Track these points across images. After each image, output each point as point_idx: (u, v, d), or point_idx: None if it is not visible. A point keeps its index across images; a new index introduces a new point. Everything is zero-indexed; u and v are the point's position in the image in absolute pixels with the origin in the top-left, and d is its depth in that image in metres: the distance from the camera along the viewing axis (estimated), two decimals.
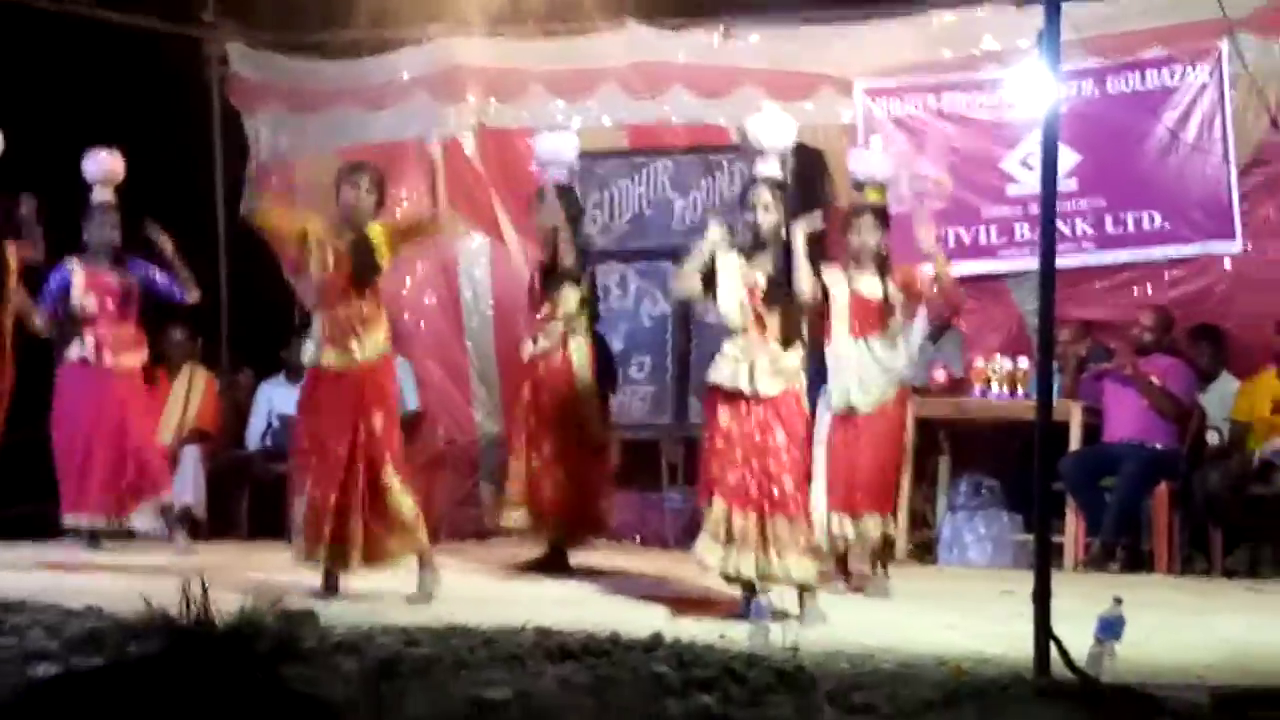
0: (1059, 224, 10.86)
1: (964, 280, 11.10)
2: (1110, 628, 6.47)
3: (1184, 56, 11.48)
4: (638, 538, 12.13)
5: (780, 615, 7.95)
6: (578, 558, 10.34)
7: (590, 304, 10.31)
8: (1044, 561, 6.25)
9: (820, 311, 9.05)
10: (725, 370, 8.20)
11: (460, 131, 13.07)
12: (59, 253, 10.74)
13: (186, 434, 12.48)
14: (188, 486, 12.05)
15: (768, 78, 12.00)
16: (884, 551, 9.40)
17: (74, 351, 10.67)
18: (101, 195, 10.70)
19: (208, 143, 13.39)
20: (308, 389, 8.91)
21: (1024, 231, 11.73)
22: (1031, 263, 9.87)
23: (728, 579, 8.17)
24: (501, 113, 13.14)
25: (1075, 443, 11.22)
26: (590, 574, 9.88)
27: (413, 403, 12.31)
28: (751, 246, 8.21)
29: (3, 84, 11.16)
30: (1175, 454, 11.14)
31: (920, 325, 11.54)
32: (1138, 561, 10.97)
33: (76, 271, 10.69)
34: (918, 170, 11.86)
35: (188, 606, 4.80)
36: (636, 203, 12.52)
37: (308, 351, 8.84)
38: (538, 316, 10.25)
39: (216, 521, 12.52)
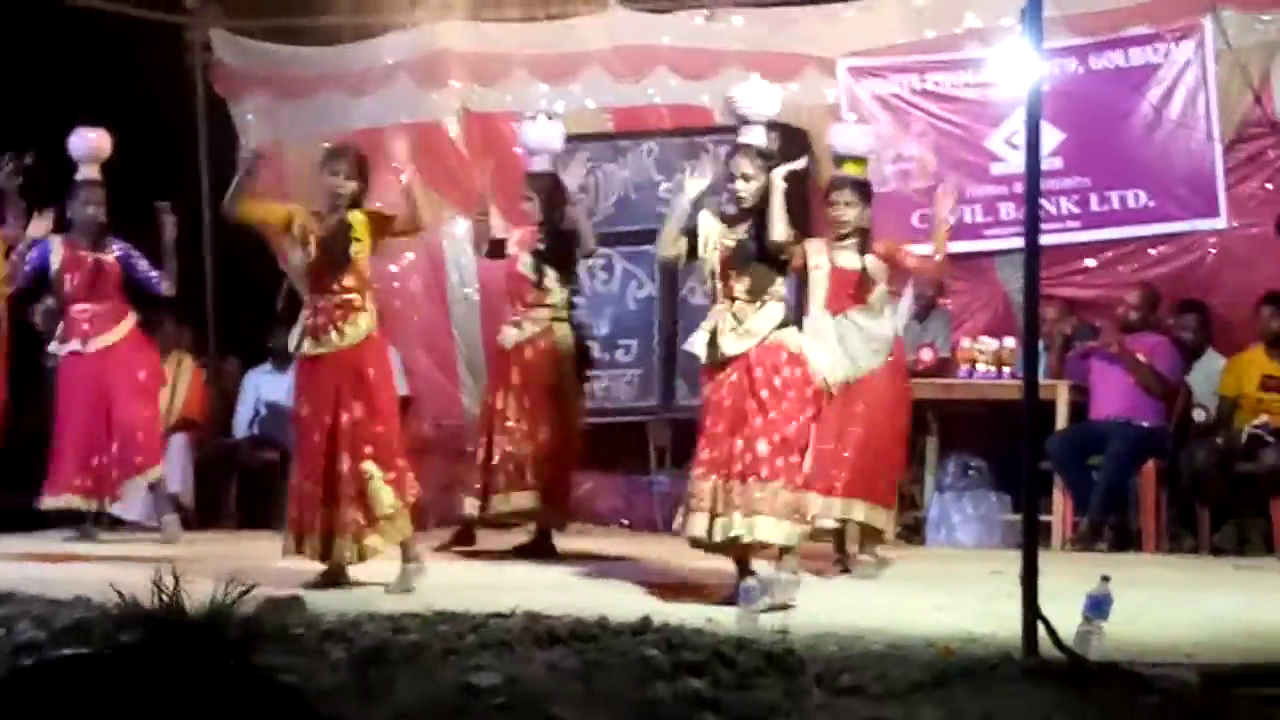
0: (1044, 202, 10.88)
1: (949, 259, 11.10)
2: (1098, 606, 6.47)
3: (1167, 33, 11.48)
4: (625, 522, 12.13)
5: (768, 593, 7.91)
6: (566, 543, 10.35)
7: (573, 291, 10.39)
8: (1031, 541, 6.25)
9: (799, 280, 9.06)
10: (696, 340, 8.22)
11: (444, 116, 13.07)
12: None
13: (174, 423, 12.45)
14: (175, 475, 12.02)
15: (752, 59, 11.97)
16: (870, 536, 9.38)
17: (56, 338, 10.67)
18: (86, 173, 10.69)
19: (192, 129, 13.37)
20: (296, 378, 8.91)
21: (1009, 210, 11.73)
22: (1017, 241, 9.89)
23: (705, 547, 8.13)
24: (486, 97, 13.14)
25: (1062, 421, 11.23)
26: (578, 559, 9.88)
27: (401, 389, 12.30)
28: (734, 214, 8.21)
29: None
30: (1162, 431, 11.16)
31: (907, 304, 11.56)
32: (1125, 540, 10.97)
33: (56, 250, 10.68)
34: (901, 150, 11.87)
35: (160, 595, 4.79)
36: (622, 186, 12.51)
37: (293, 339, 8.81)
38: (523, 303, 10.25)
39: (205, 510, 12.51)
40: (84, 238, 10.72)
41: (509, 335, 10.31)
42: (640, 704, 5.58)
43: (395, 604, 7.54)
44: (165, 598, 4.88)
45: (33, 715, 4.38)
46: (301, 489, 8.65)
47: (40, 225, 10.34)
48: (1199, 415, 11.20)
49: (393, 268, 12.91)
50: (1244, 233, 11.42)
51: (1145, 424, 11.12)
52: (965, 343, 11.55)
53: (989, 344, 11.40)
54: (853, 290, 9.20)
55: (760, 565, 8.13)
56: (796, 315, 8.84)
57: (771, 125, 8.41)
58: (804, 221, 8.75)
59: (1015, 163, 11.38)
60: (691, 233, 8.22)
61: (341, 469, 8.54)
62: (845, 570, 9.33)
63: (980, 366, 11.39)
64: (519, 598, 7.17)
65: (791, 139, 11.31)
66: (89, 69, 12.31)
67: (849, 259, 9.23)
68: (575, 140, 11.71)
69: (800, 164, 8.31)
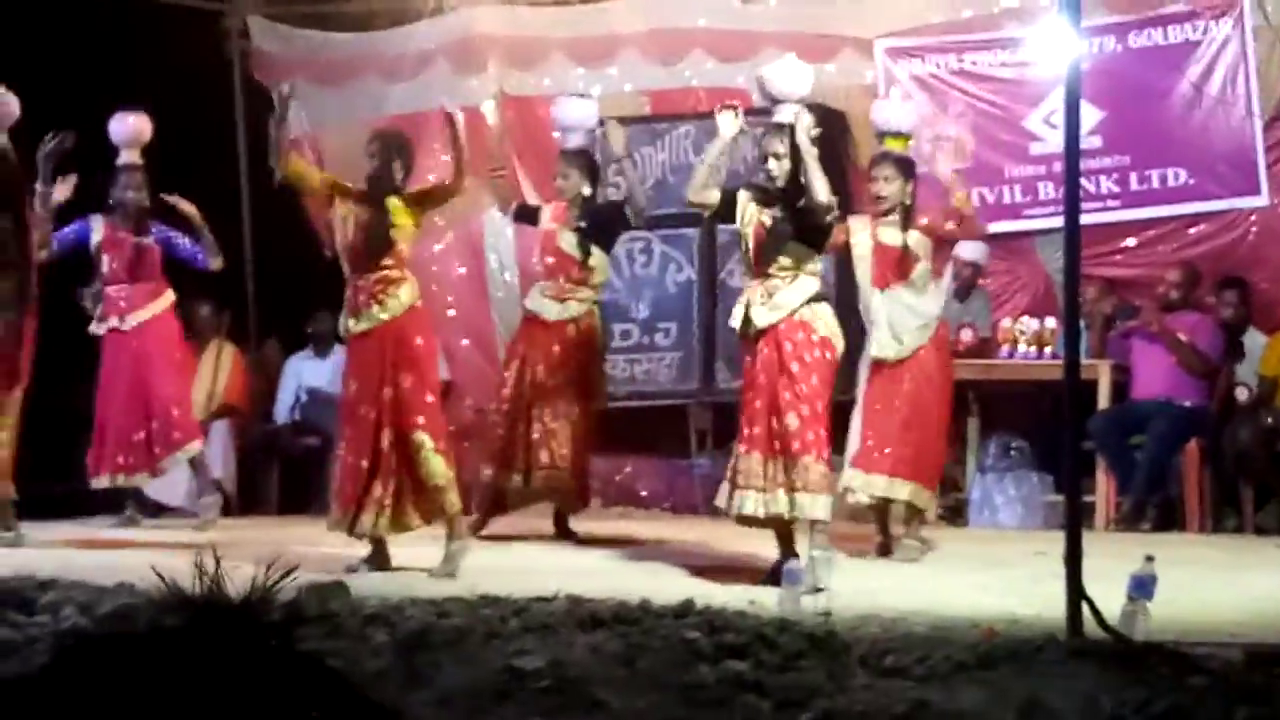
0: (1083, 181, 10.81)
1: (989, 239, 11.10)
2: (1143, 586, 6.46)
3: (1205, 10, 11.43)
4: (667, 505, 12.13)
5: (812, 575, 7.91)
6: (606, 526, 10.36)
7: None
8: (1075, 521, 6.24)
9: (841, 259, 9.10)
10: (735, 314, 8.30)
11: (481, 100, 13.07)
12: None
13: (215, 409, 12.48)
14: (217, 462, 12.05)
15: (788, 40, 11.92)
16: (913, 516, 9.36)
17: (96, 326, 10.72)
18: (127, 157, 10.73)
19: (230, 115, 13.40)
20: (345, 360, 8.92)
21: (1048, 190, 11.71)
22: (1056, 221, 9.80)
23: (752, 523, 8.17)
24: (522, 81, 13.13)
25: (1104, 401, 11.20)
26: (620, 542, 9.89)
27: (443, 372, 12.30)
28: (767, 193, 8.22)
29: (25, 55, 11.15)
30: (1204, 411, 11.12)
31: (947, 283, 11.53)
32: (1169, 520, 10.94)
33: (97, 229, 10.74)
34: (940, 130, 11.84)
35: (202, 580, 4.80)
36: (659, 169, 12.48)
37: (341, 323, 8.83)
38: (568, 279, 10.24)
39: (246, 496, 12.55)
40: (125, 220, 10.76)
41: (550, 308, 10.29)
42: (683, 686, 5.59)
43: (438, 588, 7.56)
44: (207, 582, 4.89)
45: (77, 699, 4.40)
46: (349, 464, 8.65)
47: (63, 190, 10.32)
48: (1242, 394, 11.14)
49: (435, 247, 12.88)
50: None
51: (1187, 403, 11.09)
52: (1006, 323, 11.52)
53: (1030, 324, 11.38)
54: (895, 266, 9.21)
55: (800, 548, 8.14)
56: (839, 293, 8.84)
57: (809, 106, 8.40)
58: (842, 200, 8.73)
59: (1054, 142, 11.34)
60: (729, 200, 8.25)
61: (392, 439, 8.55)
62: (887, 551, 9.32)
63: (1021, 346, 11.36)
64: (561, 581, 7.19)
65: (829, 119, 11.31)
66: (128, 54, 12.34)
67: (891, 235, 9.24)
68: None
69: (813, 128, 8.27)
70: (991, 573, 8.43)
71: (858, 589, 7.74)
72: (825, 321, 8.20)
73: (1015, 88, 11.92)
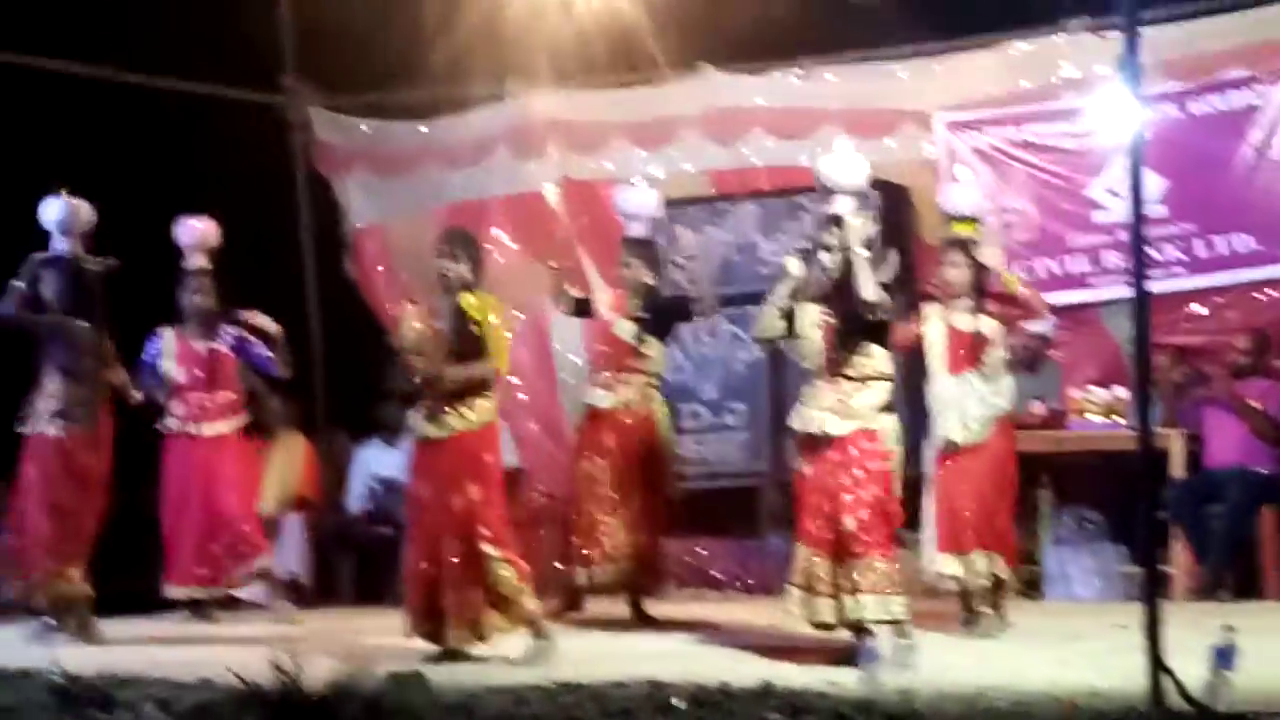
0: (1149, 250, 10.78)
1: (1055, 311, 11.04)
2: (1224, 657, 6.40)
3: (1265, 75, 11.40)
4: (740, 585, 12.09)
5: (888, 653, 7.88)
6: (682, 609, 10.32)
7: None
8: (1153, 592, 6.20)
9: (913, 348, 9.08)
10: (799, 414, 8.25)
11: (543, 185, 13.14)
12: (154, 323, 10.83)
13: (288, 502, 12.51)
14: (292, 554, 12.09)
15: (847, 116, 11.98)
16: (996, 591, 9.31)
17: (167, 423, 10.76)
18: (194, 262, 10.79)
19: (294, 206, 13.50)
20: (413, 459, 8.92)
21: (1112, 259, 11.67)
22: (1122, 290, 9.80)
23: (814, 626, 8.15)
24: (583, 165, 13.20)
25: (1178, 470, 11.12)
26: (696, 625, 9.86)
27: (511, 458, 12.32)
28: (824, 288, 8.20)
29: (92, 157, 11.27)
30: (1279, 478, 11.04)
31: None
32: (1248, 588, 10.85)
33: (168, 340, 10.79)
34: (1002, 202, 11.83)
35: (280, 676, 4.80)
36: (723, 248, 12.51)
37: (413, 421, 8.83)
38: (620, 368, 10.26)
39: (322, 587, 12.55)
40: (194, 327, 10.82)
41: (602, 397, 10.31)
42: None
43: (516, 676, 7.53)
44: (286, 678, 4.90)
45: None
46: (418, 571, 8.64)
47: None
48: None
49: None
50: None
51: (1262, 470, 11.01)
52: (1075, 393, 11.47)
53: (1099, 394, 11.33)
54: (968, 351, 9.20)
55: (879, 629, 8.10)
56: (915, 380, 8.81)
57: (873, 183, 8.40)
58: (908, 282, 8.72)
59: (1117, 211, 11.35)
60: (789, 313, 8.23)
61: (459, 551, 8.52)
62: (971, 626, 9.25)
63: (1091, 417, 11.30)
64: (638, 666, 7.17)
65: (891, 195, 11.33)
66: (192, 151, 12.45)
67: (963, 320, 9.23)
68: (675, 204, 11.75)
69: (868, 226, 8.26)
70: (1070, 646, 8.37)
71: (937, 666, 7.71)
72: (893, 435, 8.19)
73: (1076, 157, 11.90)
